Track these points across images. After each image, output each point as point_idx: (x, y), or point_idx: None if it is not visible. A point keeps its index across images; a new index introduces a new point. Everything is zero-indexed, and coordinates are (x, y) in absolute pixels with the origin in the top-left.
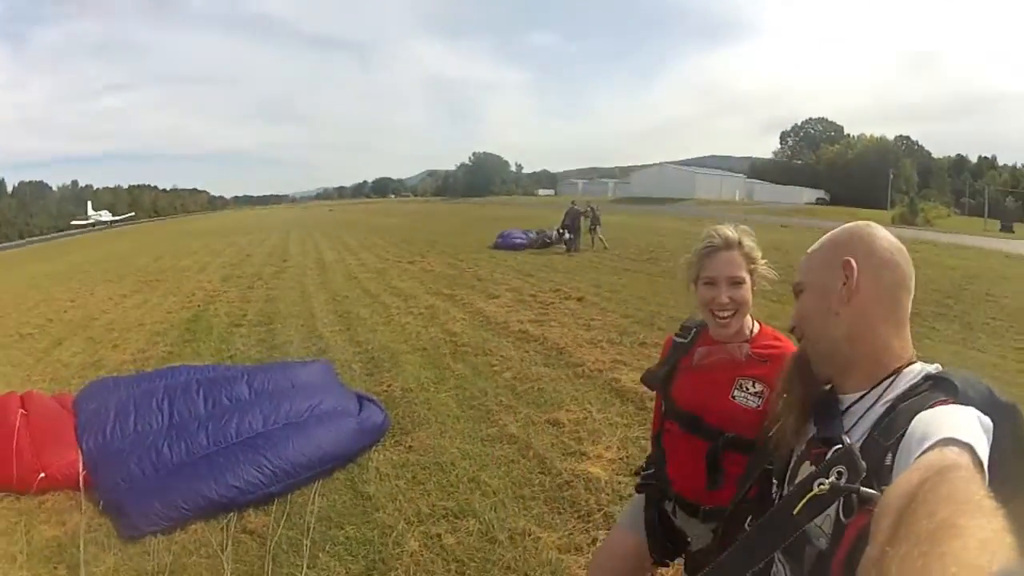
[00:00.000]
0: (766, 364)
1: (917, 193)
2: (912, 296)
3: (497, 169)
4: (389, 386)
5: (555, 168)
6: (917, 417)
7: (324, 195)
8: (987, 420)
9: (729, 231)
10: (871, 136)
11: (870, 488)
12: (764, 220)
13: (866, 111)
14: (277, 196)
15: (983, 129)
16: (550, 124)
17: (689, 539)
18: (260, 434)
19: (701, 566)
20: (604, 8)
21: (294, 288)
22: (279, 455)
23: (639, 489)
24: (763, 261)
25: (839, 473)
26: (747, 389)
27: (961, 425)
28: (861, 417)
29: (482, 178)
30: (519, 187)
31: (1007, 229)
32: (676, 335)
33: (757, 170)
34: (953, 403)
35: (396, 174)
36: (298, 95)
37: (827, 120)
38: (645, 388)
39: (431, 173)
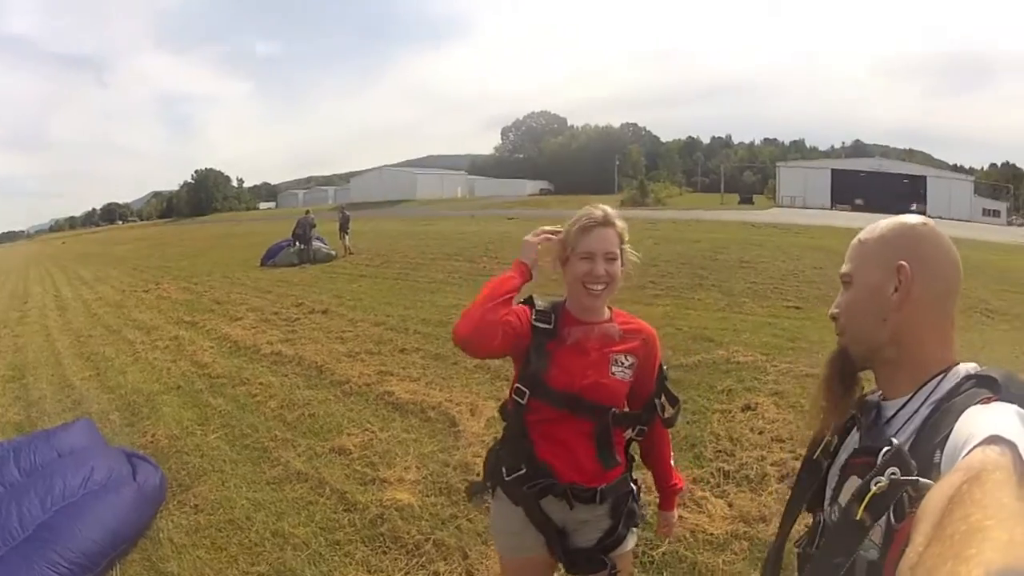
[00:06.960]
0: (632, 338)
1: (646, 175)
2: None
3: (219, 185)
4: (153, 436)
5: (275, 180)
6: (963, 415)
7: (57, 227)
8: None
9: (608, 209)
10: (595, 126)
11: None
12: (491, 213)
13: (591, 104)
14: (13, 233)
15: (716, 112)
16: (269, 135)
17: (568, 532)
18: (43, 524)
19: (590, 560)
20: (326, 10)
21: (39, 332)
22: (69, 547)
23: (514, 497)
24: (628, 244)
25: (893, 473)
26: (622, 363)
27: (1005, 423)
28: (907, 421)
29: (205, 195)
30: (241, 202)
31: (747, 201)
32: (535, 320)
33: (478, 166)
34: (997, 400)
35: (123, 197)
36: (37, 120)
37: (550, 113)
38: (423, 398)
39: (156, 194)
